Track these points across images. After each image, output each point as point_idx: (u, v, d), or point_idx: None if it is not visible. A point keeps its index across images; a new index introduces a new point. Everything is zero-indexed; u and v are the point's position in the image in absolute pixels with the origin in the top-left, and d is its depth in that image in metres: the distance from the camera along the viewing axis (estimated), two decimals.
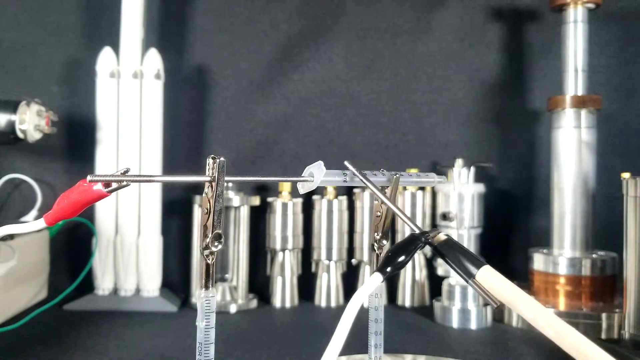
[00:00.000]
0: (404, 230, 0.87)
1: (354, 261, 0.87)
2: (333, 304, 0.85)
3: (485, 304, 0.75)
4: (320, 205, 0.85)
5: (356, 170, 0.42)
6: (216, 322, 0.37)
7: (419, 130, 0.93)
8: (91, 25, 0.91)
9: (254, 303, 0.84)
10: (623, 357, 0.59)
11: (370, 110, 0.93)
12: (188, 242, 0.87)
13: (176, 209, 0.89)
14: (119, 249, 0.80)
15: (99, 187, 0.35)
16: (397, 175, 0.44)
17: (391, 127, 0.93)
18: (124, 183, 0.35)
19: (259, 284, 0.88)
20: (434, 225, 0.86)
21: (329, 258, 0.85)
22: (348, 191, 0.89)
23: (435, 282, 0.84)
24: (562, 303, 0.75)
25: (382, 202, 0.45)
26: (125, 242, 0.80)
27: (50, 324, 0.71)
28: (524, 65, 0.94)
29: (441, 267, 0.84)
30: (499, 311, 0.77)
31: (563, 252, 0.78)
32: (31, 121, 0.72)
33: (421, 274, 0.87)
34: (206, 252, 0.37)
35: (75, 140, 0.89)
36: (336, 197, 0.86)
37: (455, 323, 0.74)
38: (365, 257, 0.86)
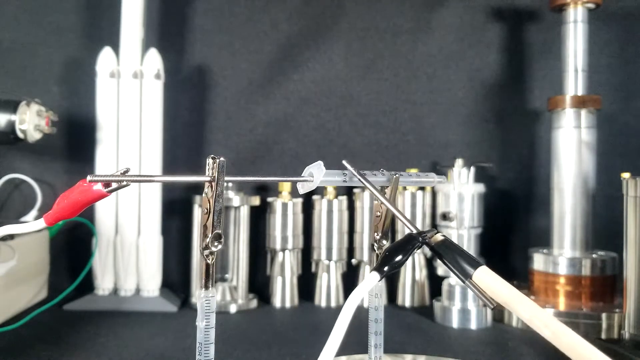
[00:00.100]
0: (403, 231, 0.87)
1: (354, 261, 0.87)
2: (333, 304, 0.85)
3: (484, 304, 0.75)
4: (320, 205, 0.85)
5: (353, 169, 0.42)
6: (216, 322, 0.37)
7: (419, 130, 0.93)
8: (91, 25, 0.91)
9: (254, 303, 0.84)
10: (623, 357, 0.59)
11: (370, 110, 0.93)
12: (188, 242, 0.87)
13: (176, 209, 0.89)
14: (119, 249, 0.80)
15: (99, 187, 0.35)
16: (397, 175, 0.44)
17: (391, 127, 0.93)
18: (124, 183, 0.35)
19: (259, 284, 0.88)
20: (434, 226, 0.86)
21: (329, 258, 0.85)
22: (348, 191, 0.89)
23: (435, 282, 0.84)
24: (562, 303, 0.75)
25: (382, 203, 0.45)
26: (125, 242, 0.80)
27: (50, 324, 0.71)
28: (524, 65, 0.94)
29: (441, 267, 0.84)
30: (499, 311, 0.76)
31: (563, 252, 0.78)
32: (31, 121, 0.72)
33: (421, 274, 0.87)
34: (206, 252, 0.37)
35: (75, 140, 0.89)
36: (336, 197, 0.86)
37: (455, 323, 0.74)
38: (365, 257, 0.86)
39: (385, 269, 0.35)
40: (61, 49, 0.91)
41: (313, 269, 0.87)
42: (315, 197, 0.86)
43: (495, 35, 0.94)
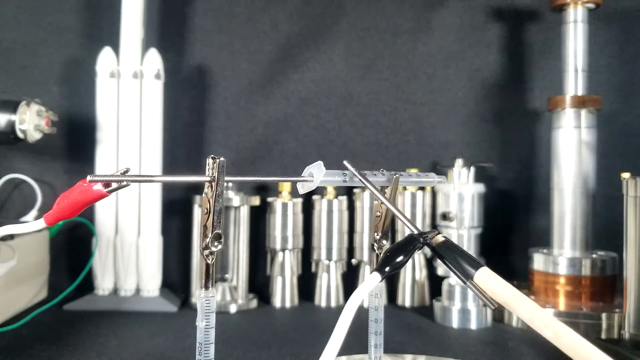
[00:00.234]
0: (403, 230, 0.87)
1: (354, 261, 0.87)
2: (333, 304, 0.85)
3: (485, 304, 0.75)
4: (320, 205, 0.85)
5: (354, 169, 0.42)
6: (216, 322, 0.37)
7: (419, 130, 0.93)
8: (91, 25, 0.91)
9: (254, 303, 0.84)
10: (623, 357, 0.59)
11: (370, 110, 0.93)
12: (188, 242, 0.87)
13: (176, 209, 0.89)
14: (119, 249, 0.80)
15: (99, 187, 0.35)
16: (397, 175, 0.44)
17: (391, 127, 0.93)
18: (124, 183, 0.35)
19: (259, 284, 0.88)
20: (434, 225, 0.86)
21: (329, 258, 0.85)
22: (348, 191, 0.89)
23: (435, 282, 0.84)
24: (562, 303, 0.75)
25: (382, 203, 0.45)
26: (125, 242, 0.80)
27: (50, 324, 0.71)
28: (524, 65, 0.94)
29: (441, 267, 0.84)
30: (499, 311, 0.76)
31: (563, 252, 0.78)
32: (31, 121, 0.72)
33: (421, 274, 0.87)
34: (206, 252, 0.37)
35: (75, 140, 0.89)
36: (336, 197, 0.86)
37: (455, 323, 0.74)
38: (365, 257, 0.86)
39: (387, 269, 0.35)
40: (61, 49, 0.91)
41: (313, 269, 0.87)
42: (315, 197, 0.86)
43: (495, 35, 0.94)
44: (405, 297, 0.86)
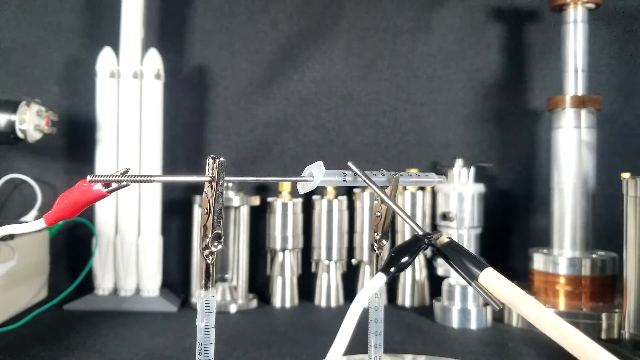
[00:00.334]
0: (404, 230, 0.87)
1: (354, 261, 0.87)
2: (333, 304, 0.85)
3: (486, 304, 0.75)
4: (320, 205, 0.85)
5: (358, 170, 0.42)
6: (216, 322, 0.37)
7: (419, 130, 0.93)
8: (91, 25, 0.91)
9: (254, 303, 0.84)
10: (623, 357, 0.59)
11: (370, 110, 0.93)
12: (188, 242, 0.87)
13: (176, 209, 0.89)
14: (119, 249, 0.80)
15: (98, 187, 0.35)
16: (397, 175, 0.44)
17: (391, 127, 0.93)
18: (124, 183, 0.35)
19: (259, 284, 0.88)
20: (433, 225, 0.86)
21: (329, 258, 0.85)
22: (348, 191, 0.89)
23: (435, 282, 0.84)
24: (562, 303, 0.75)
25: (382, 202, 0.45)
26: (125, 242, 0.80)
27: (50, 324, 0.71)
28: (524, 65, 0.94)
29: (441, 267, 0.84)
30: (499, 311, 0.76)
31: (563, 252, 0.78)
32: (31, 121, 0.72)
33: (421, 274, 0.87)
34: (206, 252, 0.37)
35: (75, 140, 0.89)
36: (336, 197, 0.86)
37: (455, 323, 0.74)
38: (365, 257, 0.86)
39: (392, 270, 0.35)
40: (61, 49, 0.91)
41: (313, 269, 0.87)
42: (315, 197, 0.86)
43: (495, 35, 0.94)
44: (405, 297, 0.86)
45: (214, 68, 0.92)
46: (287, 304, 0.84)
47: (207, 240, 0.36)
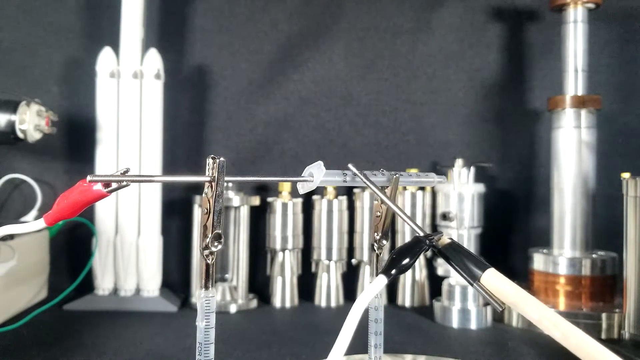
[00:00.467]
0: (404, 231, 0.87)
1: (354, 261, 0.87)
2: (333, 304, 0.85)
3: (486, 304, 0.75)
4: (320, 205, 0.85)
5: (358, 172, 0.42)
6: (216, 322, 0.37)
7: (419, 130, 0.93)
8: (91, 25, 0.91)
9: (254, 303, 0.84)
10: (623, 357, 0.59)
11: (370, 110, 0.93)
12: (188, 242, 0.87)
13: (176, 209, 0.89)
14: (119, 249, 0.80)
15: (98, 187, 0.35)
16: (397, 175, 0.44)
17: (391, 127, 0.93)
18: (124, 183, 0.35)
19: (259, 284, 0.88)
20: (434, 226, 0.86)
21: (329, 258, 0.85)
22: (348, 191, 0.89)
23: (435, 282, 0.84)
24: (562, 303, 0.75)
25: (382, 203, 0.45)
26: (125, 242, 0.80)
27: (50, 324, 0.71)
28: (524, 65, 0.94)
29: (441, 267, 0.84)
30: (500, 311, 0.76)
31: (563, 252, 0.78)
32: (31, 121, 0.72)
33: (421, 274, 0.87)
34: (206, 252, 0.37)
35: (75, 140, 0.89)
36: (336, 197, 0.86)
37: (455, 323, 0.74)
38: (365, 257, 0.86)
39: (393, 272, 0.35)
40: (61, 49, 0.91)
41: (313, 269, 0.87)
42: (315, 197, 0.86)
43: (495, 35, 0.94)
44: (405, 297, 0.86)
45: (214, 68, 0.92)
46: (287, 304, 0.84)
47: (207, 240, 0.36)
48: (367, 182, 0.41)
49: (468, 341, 0.68)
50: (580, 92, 0.78)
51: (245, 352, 0.62)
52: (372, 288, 0.34)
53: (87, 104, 0.83)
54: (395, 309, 0.84)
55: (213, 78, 0.92)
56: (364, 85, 0.93)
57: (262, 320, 0.77)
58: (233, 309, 0.81)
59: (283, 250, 0.84)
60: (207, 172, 0.36)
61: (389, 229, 0.46)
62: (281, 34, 0.93)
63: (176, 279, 0.90)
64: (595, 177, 0.78)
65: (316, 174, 0.40)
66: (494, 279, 0.35)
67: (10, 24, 0.90)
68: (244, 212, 0.84)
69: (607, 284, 0.76)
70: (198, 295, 0.37)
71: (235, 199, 0.82)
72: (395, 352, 0.61)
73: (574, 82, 0.79)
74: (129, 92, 0.80)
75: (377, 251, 0.45)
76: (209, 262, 0.37)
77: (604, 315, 0.71)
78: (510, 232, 0.93)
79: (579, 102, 0.77)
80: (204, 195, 0.37)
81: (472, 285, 0.35)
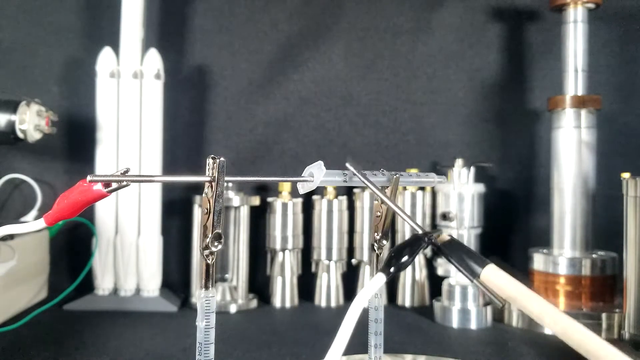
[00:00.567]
0: (404, 230, 0.87)
1: (354, 261, 0.87)
2: (333, 304, 0.85)
3: (486, 304, 0.75)
4: (320, 205, 0.85)
5: (355, 170, 0.41)
6: (216, 322, 0.37)
7: (419, 130, 0.93)
8: (91, 25, 0.91)
9: (254, 303, 0.84)
10: None
11: (370, 110, 0.93)
12: (188, 242, 0.87)
13: (176, 209, 0.89)
14: (119, 249, 0.80)
15: (99, 187, 0.35)
16: (397, 175, 0.44)
17: (391, 127, 0.93)
18: (124, 183, 0.35)
19: (259, 284, 0.88)
20: (434, 225, 0.86)
21: (329, 258, 0.85)
22: (348, 191, 0.89)
23: (435, 282, 0.84)
24: (562, 303, 0.75)
25: (382, 202, 0.45)
26: (125, 242, 0.80)
27: (50, 324, 0.71)
28: (524, 65, 0.94)
29: (441, 267, 0.84)
30: (499, 311, 0.76)
31: (563, 252, 0.78)
32: (31, 121, 0.72)
33: (421, 274, 0.87)
34: (206, 252, 0.37)
35: (75, 140, 0.89)
36: (336, 197, 0.86)
37: (455, 323, 0.74)
38: (365, 257, 0.86)
39: (392, 270, 0.35)
40: (61, 49, 0.91)
41: (313, 269, 0.87)
42: (315, 197, 0.86)
43: (495, 35, 0.94)
44: (405, 297, 0.86)
45: (214, 68, 0.92)
46: (287, 304, 0.84)
47: (207, 240, 0.36)
48: (364, 180, 0.41)
49: (468, 341, 0.68)
50: (580, 92, 0.78)
51: (245, 352, 0.62)
52: (371, 286, 0.34)
53: (87, 104, 0.83)
54: (395, 309, 0.84)
55: (213, 78, 0.92)
56: (364, 85, 0.93)
57: (262, 320, 0.77)
58: (233, 309, 0.81)
59: (283, 250, 0.84)
60: (207, 172, 0.36)
61: (389, 229, 0.46)
62: (281, 34, 0.93)
63: (176, 279, 0.90)
64: (595, 177, 0.78)
65: (316, 174, 0.40)
66: (494, 275, 0.34)
67: (10, 24, 0.90)
68: (244, 212, 0.84)
69: (607, 284, 0.76)
70: (198, 295, 0.37)
71: (235, 199, 0.82)
72: (395, 352, 0.61)
73: (574, 82, 0.79)
74: (129, 92, 0.80)
75: (377, 251, 0.45)
76: (209, 262, 0.37)
77: (604, 315, 0.71)
78: (510, 232, 0.94)
79: (579, 102, 0.77)
80: (204, 195, 0.37)
81: (472, 281, 0.35)
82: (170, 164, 0.86)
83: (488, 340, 0.69)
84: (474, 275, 0.35)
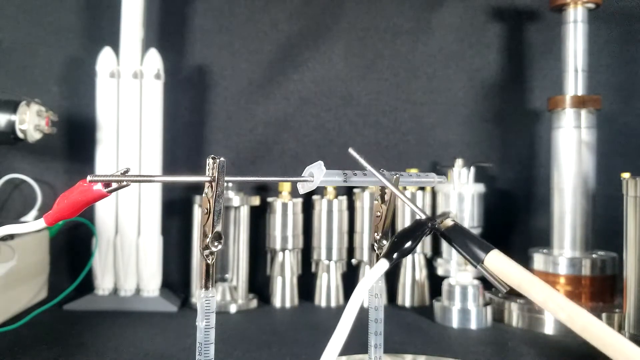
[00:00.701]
0: None
1: (354, 261, 0.87)
2: (333, 304, 0.85)
3: (486, 304, 0.75)
4: (320, 205, 0.85)
5: (359, 156, 0.41)
6: (216, 322, 0.37)
7: (419, 130, 0.93)
8: (91, 25, 0.91)
9: (254, 303, 0.84)
10: None
11: (370, 110, 0.93)
12: (188, 242, 0.87)
13: (176, 209, 0.89)
14: (119, 249, 0.80)
15: (99, 187, 0.35)
16: (397, 175, 0.44)
17: (391, 127, 0.93)
18: (124, 183, 0.35)
19: (259, 284, 0.88)
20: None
21: (329, 258, 0.85)
22: (348, 191, 0.89)
23: (435, 282, 0.84)
24: None
25: (383, 202, 0.45)
26: (125, 242, 0.80)
27: (50, 324, 0.71)
28: (524, 65, 0.94)
29: (441, 267, 0.84)
30: (499, 311, 0.77)
31: (563, 252, 0.78)
32: (31, 121, 0.72)
33: (421, 274, 0.87)
34: (206, 252, 0.37)
35: (75, 140, 0.89)
36: (336, 197, 0.86)
37: (455, 323, 0.74)
38: (365, 257, 0.86)
39: (395, 255, 0.34)
40: (61, 49, 0.91)
41: (313, 269, 0.87)
42: (315, 197, 0.86)
43: (495, 35, 0.94)
44: (405, 297, 0.86)
45: (214, 68, 0.92)
46: (287, 304, 0.84)
47: (207, 240, 0.36)
48: (366, 165, 0.41)
49: (468, 341, 0.68)
50: (580, 92, 0.78)
51: (245, 352, 0.62)
52: (373, 272, 0.34)
53: (87, 104, 0.83)
54: (395, 309, 0.84)
55: (213, 78, 0.92)
56: (364, 85, 0.93)
57: (262, 320, 0.77)
58: (233, 309, 0.81)
59: (283, 250, 0.84)
60: (207, 172, 0.36)
61: (389, 229, 0.45)
62: (281, 34, 0.93)
63: (176, 279, 0.90)
64: (595, 177, 0.78)
65: (316, 174, 0.40)
66: (498, 261, 0.34)
67: (10, 24, 0.90)
68: (244, 212, 0.84)
69: (607, 284, 0.76)
70: (198, 295, 0.37)
71: (235, 199, 0.82)
72: (395, 352, 0.61)
73: (574, 82, 0.79)
74: (129, 92, 0.80)
75: (377, 251, 0.45)
76: (209, 262, 0.37)
77: (604, 315, 0.71)
78: (510, 232, 0.93)
79: (579, 102, 0.77)
80: (204, 195, 0.37)
81: (475, 267, 0.35)
82: (170, 164, 0.86)
83: (488, 340, 0.69)
84: (477, 260, 0.35)
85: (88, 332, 0.68)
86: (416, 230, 0.36)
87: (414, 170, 0.68)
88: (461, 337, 0.70)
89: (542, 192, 0.89)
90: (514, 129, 0.94)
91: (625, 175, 0.65)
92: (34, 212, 0.84)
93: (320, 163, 0.40)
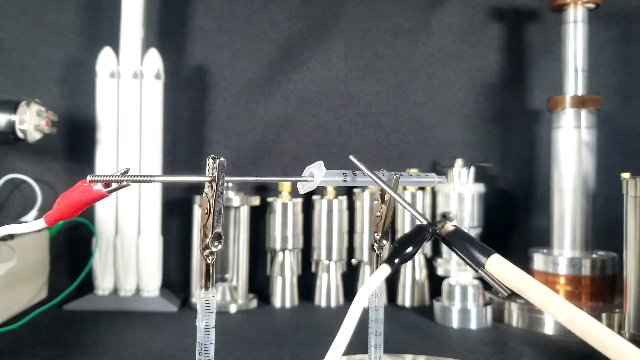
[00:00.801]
0: (404, 230, 0.87)
1: (354, 261, 0.87)
2: (333, 304, 0.85)
3: (486, 304, 0.75)
4: (320, 205, 0.85)
5: (360, 164, 0.41)
6: (216, 322, 0.37)
7: (419, 130, 0.93)
8: (91, 25, 0.91)
9: (254, 303, 0.84)
10: None
11: (370, 110, 0.93)
12: (188, 242, 0.87)
13: (176, 209, 0.89)
14: (119, 249, 0.80)
15: (99, 187, 0.35)
16: (397, 175, 0.45)
17: (391, 127, 0.93)
18: (124, 183, 0.35)
19: (259, 284, 0.88)
20: None
21: (329, 258, 0.85)
22: (348, 191, 0.89)
23: (435, 282, 0.84)
24: None
25: (383, 202, 0.45)
26: (125, 242, 0.80)
27: (50, 324, 0.71)
28: (524, 65, 0.94)
29: (441, 267, 0.84)
30: (499, 311, 0.77)
31: (563, 252, 0.78)
32: (31, 121, 0.72)
33: (421, 274, 0.87)
34: (206, 252, 0.37)
35: (75, 140, 0.89)
36: (336, 197, 0.86)
37: (455, 323, 0.74)
38: (365, 257, 0.86)
39: (396, 261, 0.34)
40: (61, 49, 0.91)
41: (313, 269, 0.87)
42: (315, 197, 0.86)
43: (495, 35, 0.94)
44: (405, 297, 0.86)
45: (214, 68, 0.92)
46: (287, 304, 0.84)
47: (207, 240, 0.36)
48: (367, 172, 0.41)
49: (468, 341, 0.68)
50: (580, 92, 0.79)
51: (245, 352, 0.62)
52: (375, 277, 0.34)
53: (87, 104, 0.83)
54: (395, 309, 0.84)
55: (213, 78, 0.92)
56: (364, 85, 0.93)
57: (262, 320, 0.77)
58: (233, 309, 0.81)
59: (283, 250, 0.84)
60: (207, 172, 0.36)
61: (389, 229, 0.45)
62: (281, 34, 0.93)
63: (176, 279, 0.90)
64: (595, 177, 0.78)
65: (316, 174, 0.40)
66: (498, 265, 0.34)
67: (10, 24, 0.90)
68: (244, 212, 0.84)
69: (607, 284, 0.76)
70: (198, 295, 0.37)
71: (235, 199, 0.82)
72: (395, 352, 0.61)
73: (574, 82, 0.79)
74: (129, 92, 0.80)
75: (377, 251, 0.45)
76: (209, 262, 0.37)
77: (604, 315, 0.71)
78: (510, 232, 0.94)
79: (579, 102, 0.77)
80: (204, 195, 0.37)
81: (476, 271, 0.35)
82: (170, 164, 0.86)
83: (488, 340, 0.69)
84: (478, 264, 0.35)
85: (88, 332, 0.68)
86: (417, 235, 0.36)
87: (414, 170, 0.68)
88: (461, 337, 0.70)
89: (542, 192, 0.89)
90: (514, 129, 0.94)
91: (625, 175, 0.65)
92: (34, 212, 0.84)
93: (320, 163, 0.40)
